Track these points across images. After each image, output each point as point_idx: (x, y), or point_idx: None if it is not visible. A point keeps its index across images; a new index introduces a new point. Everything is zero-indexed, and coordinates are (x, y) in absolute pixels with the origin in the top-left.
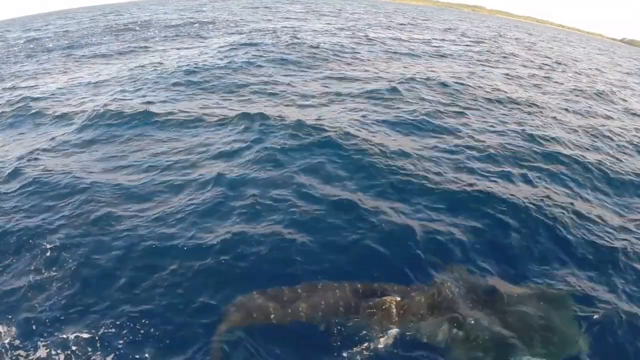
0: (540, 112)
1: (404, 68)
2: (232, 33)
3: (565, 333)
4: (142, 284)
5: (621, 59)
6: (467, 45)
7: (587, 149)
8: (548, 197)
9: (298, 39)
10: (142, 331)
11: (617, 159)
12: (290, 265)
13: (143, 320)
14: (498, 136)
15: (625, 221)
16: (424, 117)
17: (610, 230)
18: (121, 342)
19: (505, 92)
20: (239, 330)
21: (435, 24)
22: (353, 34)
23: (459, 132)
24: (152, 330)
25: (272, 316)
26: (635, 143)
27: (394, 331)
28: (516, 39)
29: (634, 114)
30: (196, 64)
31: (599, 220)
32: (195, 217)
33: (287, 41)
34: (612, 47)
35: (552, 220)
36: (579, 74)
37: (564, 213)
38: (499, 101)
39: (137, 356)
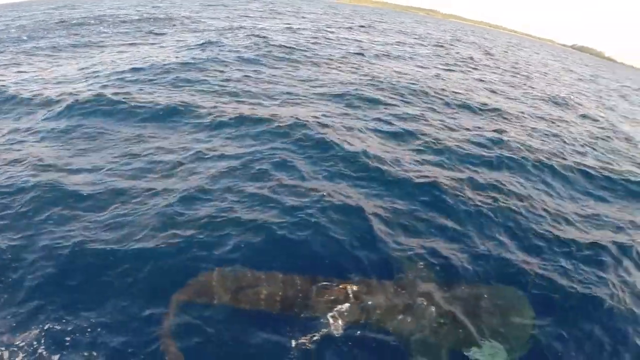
0: (500, 115)
1: (366, 69)
2: (190, 30)
3: (519, 322)
4: (89, 288)
5: (574, 64)
6: (424, 46)
7: (541, 149)
8: (502, 192)
9: (257, 37)
10: (92, 335)
11: (567, 157)
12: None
13: (93, 327)
14: (456, 136)
15: (574, 213)
16: (385, 117)
17: (560, 221)
18: (67, 346)
19: (465, 94)
20: (193, 313)
21: (393, 26)
22: (313, 34)
23: (418, 132)
24: (102, 333)
25: (227, 297)
26: (587, 144)
27: (349, 324)
28: (472, 43)
29: (588, 118)
30: (152, 61)
31: (553, 212)
32: (145, 217)
33: (245, 39)
34: (564, 54)
35: (505, 213)
36: (536, 79)
37: (517, 207)
38: (460, 105)
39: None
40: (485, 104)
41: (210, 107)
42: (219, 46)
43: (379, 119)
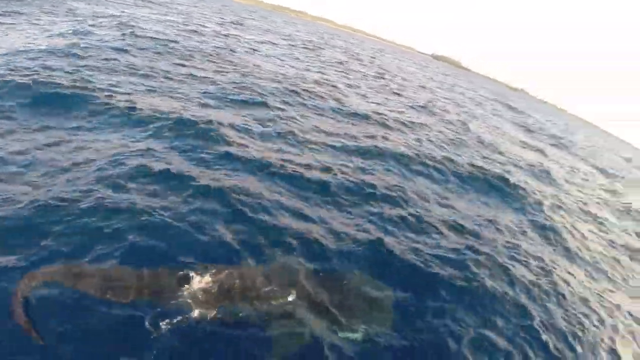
0: (370, 117)
1: (230, 66)
2: (48, 13)
3: (379, 304)
4: None
5: (435, 74)
6: (293, 46)
7: (407, 147)
8: (368, 183)
9: (125, 27)
10: None
11: (429, 156)
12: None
13: None
14: (325, 132)
15: (435, 202)
16: (248, 114)
17: (420, 206)
18: None
19: (335, 97)
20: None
21: (264, 25)
22: (185, 27)
23: (284, 130)
24: None
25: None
26: (446, 144)
27: (211, 312)
28: (340, 46)
29: (449, 122)
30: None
31: (415, 199)
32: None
33: (115, 29)
34: (424, 62)
35: (370, 201)
36: (402, 85)
37: (384, 196)
38: (332, 108)
39: None
40: (355, 108)
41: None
42: (80, 33)
43: (243, 116)
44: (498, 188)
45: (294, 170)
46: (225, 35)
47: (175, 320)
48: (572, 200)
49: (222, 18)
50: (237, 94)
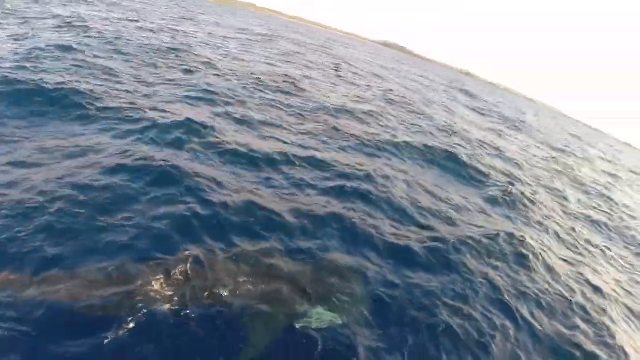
0: (333, 108)
1: (193, 57)
2: None
3: (347, 290)
4: None
5: (391, 62)
6: (250, 40)
7: (372, 132)
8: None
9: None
10: None
11: (392, 137)
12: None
13: None
14: (289, 122)
15: (401, 179)
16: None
17: (386, 185)
18: None
19: (295, 88)
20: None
21: (212, 18)
22: (136, 22)
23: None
24: None
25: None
26: (407, 126)
27: (177, 303)
28: (291, 38)
29: (412, 111)
30: None
31: (381, 176)
32: None
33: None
34: (376, 50)
35: (329, 177)
36: (362, 75)
37: (343, 174)
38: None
39: None
40: (314, 99)
41: None
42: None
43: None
44: (454, 166)
45: (254, 155)
46: (172, 30)
47: (145, 318)
48: (526, 173)
49: (168, 12)
50: (197, 89)
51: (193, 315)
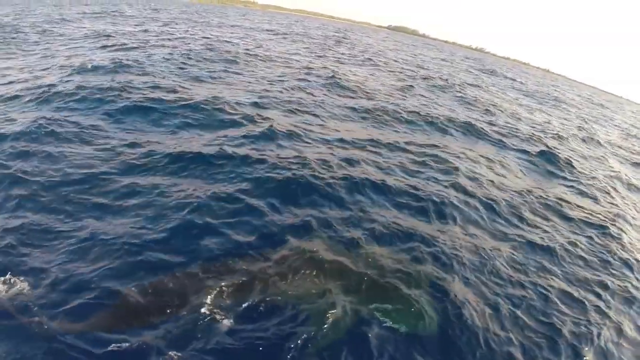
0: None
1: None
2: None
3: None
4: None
5: (404, 46)
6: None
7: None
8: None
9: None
10: None
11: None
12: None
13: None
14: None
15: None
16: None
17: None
18: None
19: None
20: None
21: (229, 20)
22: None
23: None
24: None
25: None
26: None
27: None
28: (303, 33)
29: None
30: None
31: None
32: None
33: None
34: (378, 34)
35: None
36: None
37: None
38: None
39: None
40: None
41: None
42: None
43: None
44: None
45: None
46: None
47: (203, 321)
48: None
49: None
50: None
51: (251, 319)
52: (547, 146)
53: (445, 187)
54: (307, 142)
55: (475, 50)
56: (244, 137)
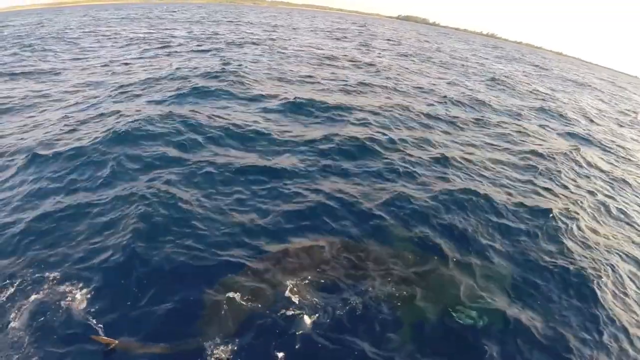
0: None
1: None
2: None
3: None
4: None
5: (410, 31)
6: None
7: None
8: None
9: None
10: None
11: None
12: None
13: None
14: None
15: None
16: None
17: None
18: None
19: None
20: None
21: (244, 18)
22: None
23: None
24: None
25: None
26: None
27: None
28: (306, 28)
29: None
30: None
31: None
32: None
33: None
34: (392, 24)
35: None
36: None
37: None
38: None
39: None
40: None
41: None
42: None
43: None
44: None
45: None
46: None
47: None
48: None
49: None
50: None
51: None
52: None
53: None
54: None
55: (487, 36)
56: None
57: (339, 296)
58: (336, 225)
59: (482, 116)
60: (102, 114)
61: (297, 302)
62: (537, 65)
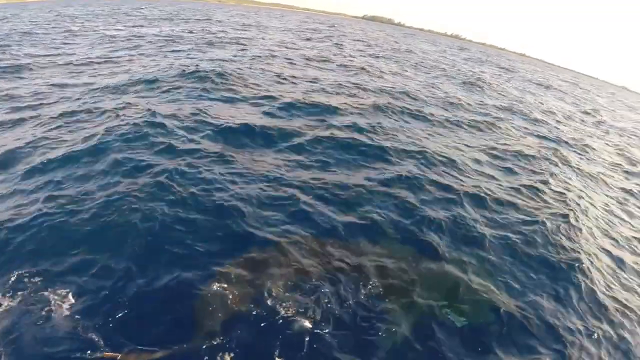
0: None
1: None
2: None
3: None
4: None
5: (377, 32)
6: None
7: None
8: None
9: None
10: None
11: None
12: None
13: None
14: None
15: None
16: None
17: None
18: None
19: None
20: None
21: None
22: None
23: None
24: None
25: None
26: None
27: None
28: (276, 27)
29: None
30: None
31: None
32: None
33: None
34: (358, 24)
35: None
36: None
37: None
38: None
39: None
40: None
41: None
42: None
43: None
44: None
45: None
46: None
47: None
48: None
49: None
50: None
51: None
52: None
53: None
54: None
55: (452, 37)
56: None
57: (328, 295)
58: (326, 225)
59: (456, 116)
60: (74, 112)
61: (288, 302)
62: (503, 67)
